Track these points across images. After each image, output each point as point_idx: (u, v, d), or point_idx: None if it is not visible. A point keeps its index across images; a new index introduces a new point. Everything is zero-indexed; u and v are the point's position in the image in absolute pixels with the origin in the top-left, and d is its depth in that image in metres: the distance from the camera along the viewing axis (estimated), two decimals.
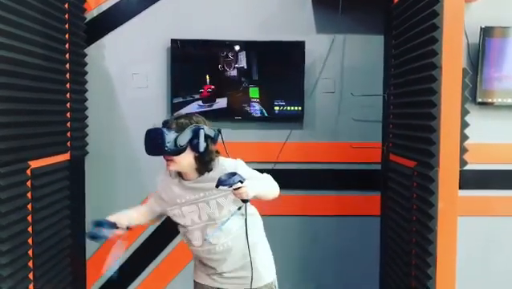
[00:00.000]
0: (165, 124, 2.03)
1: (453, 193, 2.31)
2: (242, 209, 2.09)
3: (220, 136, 2.08)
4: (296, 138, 3.38)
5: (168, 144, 1.95)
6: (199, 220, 2.13)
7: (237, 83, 3.30)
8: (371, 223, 3.41)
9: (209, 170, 2.07)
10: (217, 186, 1.89)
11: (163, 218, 2.33)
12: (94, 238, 2.08)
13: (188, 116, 2.09)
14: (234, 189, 1.91)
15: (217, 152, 2.11)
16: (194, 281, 2.33)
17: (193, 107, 3.29)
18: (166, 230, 3.39)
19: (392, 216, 3.00)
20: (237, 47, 3.29)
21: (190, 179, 2.11)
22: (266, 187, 2.11)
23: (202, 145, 2.00)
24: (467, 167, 2.48)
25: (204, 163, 2.06)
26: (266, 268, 2.26)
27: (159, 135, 1.96)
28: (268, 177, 2.15)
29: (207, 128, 2.03)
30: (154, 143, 1.98)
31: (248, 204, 2.13)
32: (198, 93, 3.30)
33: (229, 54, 3.29)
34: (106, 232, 2.07)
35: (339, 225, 3.43)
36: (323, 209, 3.42)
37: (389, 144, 3.13)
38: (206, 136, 2.02)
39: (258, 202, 2.20)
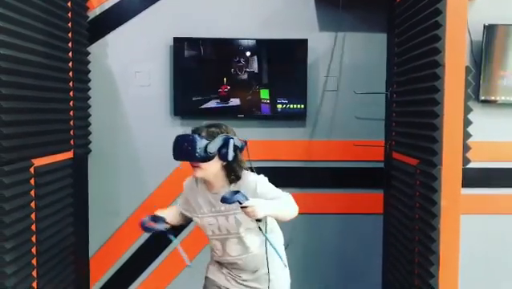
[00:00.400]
0: (196, 131, 2.06)
1: (455, 191, 2.31)
2: (263, 226, 2.10)
3: (246, 148, 2.11)
4: (299, 136, 3.38)
5: (198, 151, 1.97)
6: (218, 232, 2.16)
7: (244, 83, 3.31)
8: (374, 221, 3.41)
9: (237, 179, 2.08)
10: (221, 201, 1.92)
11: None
12: (149, 230, 2.17)
13: (219, 125, 2.11)
14: (242, 208, 1.92)
15: (244, 161, 2.12)
16: (206, 277, 2.33)
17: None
18: (172, 226, 3.40)
19: (394, 214, 3.00)
20: (240, 47, 3.29)
21: (215, 190, 2.12)
22: (280, 207, 2.07)
23: (231, 154, 2.02)
24: (470, 165, 2.47)
25: (232, 171, 2.08)
26: (281, 285, 2.28)
27: (190, 141, 1.98)
28: (287, 197, 2.13)
29: (236, 139, 2.06)
30: (185, 148, 1.99)
31: (269, 219, 2.17)
32: (203, 92, 3.30)
33: (234, 54, 3.29)
34: (160, 226, 2.14)
35: (341, 224, 3.43)
36: (326, 207, 3.42)
37: (392, 143, 3.13)
38: (235, 146, 2.04)
39: None
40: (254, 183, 2.07)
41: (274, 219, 2.24)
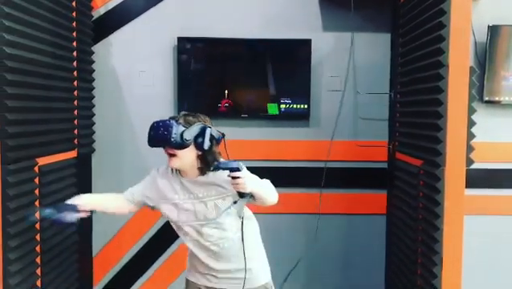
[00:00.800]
0: (173, 118, 2.05)
1: (459, 191, 2.31)
2: (239, 212, 2.12)
3: (223, 140, 2.09)
4: (302, 136, 3.38)
5: (174, 136, 1.95)
6: (194, 218, 2.13)
7: (248, 84, 3.31)
8: (377, 221, 3.40)
9: (210, 170, 2.07)
10: (214, 169, 1.92)
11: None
12: (54, 221, 2.08)
13: (196, 115, 2.09)
14: (232, 178, 1.92)
15: (220, 154, 2.12)
16: (187, 279, 2.33)
17: None
18: (169, 231, 3.41)
19: (398, 214, 3.00)
20: (244, 47, 3.30)
21: (189, 178, 2.12)
22: (265, 188, 2.09)
23: (207, 144, 2.00)
24: (474, 166, 2.47)
25: (206, 162, 2.06)
26: (261, 270, 2.26)
27: (166, 126, 1.96)
28: (267, 182, 2.13)
29: (213, 129, 2.05)
30: (161, 133, 1.97)
31: (245, 207, 2.18)
32: (207, 91, 3.31)
33: (238, 54, 3.30)
34: (68, 217, 2.06)
35: (344, 224, 3.43)
36: (329, 207, 3.42)
37: (395, 143, 3.13)
38: (211, 137, 2.03)
39: None
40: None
41: (247, 209, 2.23)
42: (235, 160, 1.94)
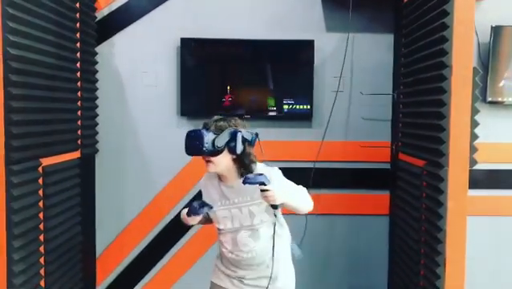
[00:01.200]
0: (205, 126, 2.09)
1: (462, 192, 2.30)
2: (275, 220, 2.14)
3: (257, 140, 2.13)
4: (305, 137, 3.39)
5: (206, 145, 2.01)
6: (231, 225, 2.17)
7: (250, 84, 3.32)
8: (380, 222, 3.41)
9: (248, 172, 2.09)
10: (243, 183, 1.95)
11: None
12: (194, 210, 2.08)
13: (227, 119, 2.13)
14: (262, 192, 1.97)
15: (255, 156, 2.14)
16: (212, 282, 2.34)
17: None
18: (172, 232, 3.42)
19: (401, 215, 3.00)
20: (247, 47, 3.30)
21: (229, 183, 2.15)
22: (297, 197, 2.13)
23: (239, 148, 2.04)
24: (477, 166, 2.47)
25: (244, 165, 2.10)
26: (287, 284, 2.29)
27: (198, 136, 2.02)
28: (302, 190, 2.17)
29: (245, 132, 2.08)
30: (193, 143, 2.03)
31: (279, 216, 2.20)
32: (210, 92, 3.32)
33: (241, 55, 3.30)
34: (205, 209, 2.09)
35: (347, 224, 3.43)
36: (332, 207, 3.42)
37: (398, 144, 3.13)
38: (244, 139, 2.06)
39: None
40: (268, 174, 2.06)
41: (281, 216, 2.25)
42: (262, 175, 1.96)
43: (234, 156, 2.08)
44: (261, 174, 1.96)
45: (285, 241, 2.28)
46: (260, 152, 2.13)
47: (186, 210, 2.15)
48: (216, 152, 2.04)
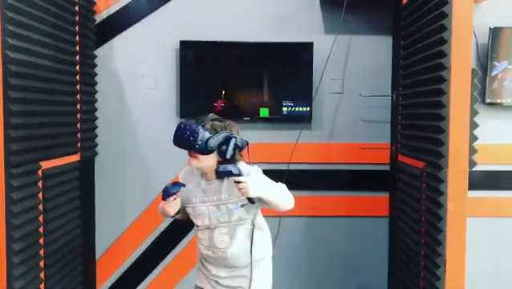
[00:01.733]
0: (199, 122, 2.07)
1: (462, 193, 2.30)
2: (253, 220, 2.14)
3: (247, 148, 2.11)
4: (304, 139, 3.39)
5: (199, 143, 1.99)
6: (208, 222, 2.16)
7: (247, 85, 3.32)
8: (380, 224, 3.41)
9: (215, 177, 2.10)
10: (217, 176, 1.98)
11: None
12: (168, 191, 2.06)
13: (223, 120, 2.12)
14: (235, 183, 1.96)
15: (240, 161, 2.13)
16: (195, 285, 2.35)
17: None
18: (172, 234, 3.42)
19: (400, 217, 3.00)
20: (246, 50, 3.30)
21: (209, 180, 2.14)
22: (275, 192, 2.08)
23: (230, 153, 2.03)
24: (476, 168, 2.47)
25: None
26: (264, 285, 2.26)
27: (193, 131, 1.99)
28: (281, 186, 2.13)
29: (238, 138, 2.07)
30: (186, 137, 2.00)
31: (258, 218, 2.19)
32: (209, 94, 3.32)
33: (240, 57, 3.31)
34: (178, 187, 2.06)
35: (347, 226, 3.43)
36: (332, 209, 3.42)
37: (398, 145, 3.13)
38: (235, 146, 2.05)
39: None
40: (248, 171, 2.07)
41: (262, 217, 2.25)
42: (233, 165, 1.97)
43: (221, 159, 2.06)
44: (232, 164, 1.97)
45: (265, 243, 2.26)
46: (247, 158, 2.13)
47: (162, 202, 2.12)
48: (207, 151, 2.02)
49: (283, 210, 2.13)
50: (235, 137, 2.05)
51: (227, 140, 2.03)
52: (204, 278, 2.28)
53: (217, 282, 2.23)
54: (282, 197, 2.11)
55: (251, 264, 2.15)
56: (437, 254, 2.36)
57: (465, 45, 2.29)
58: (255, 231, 2.15)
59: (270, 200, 2.06)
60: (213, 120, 2.10)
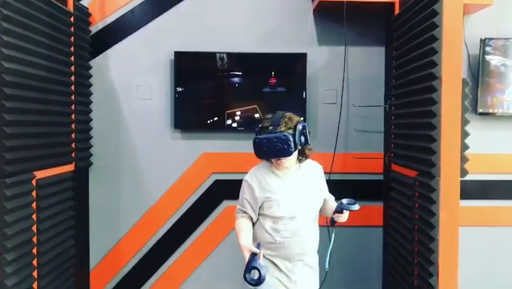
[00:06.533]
0: (275, 127, 2.13)
1: (454, 201, 2.33)
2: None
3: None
4: None
5: (292, 148, 2.10)
6: (292, 210, 2.23)
7: (241, 95, 3.35)
8: (375, 233, 3.41)
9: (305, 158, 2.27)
10: (338, 210, 2.19)
11: None
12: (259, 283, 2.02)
13: (284, 114, 2.19)
14: (340, 213, 2.17)
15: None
16: None
17: None
18: (166, 244, 3.41)
19: (394, 225, 3.01)
20: (240, 60, 3.33)
21: (286, 169, 2.25)
22: None
23: (308, 138, 2.19)
24: (468, 177, 2.49)
25: (303, 151, 2.25)
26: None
27: (284, 140, 2.09)
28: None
29: (302, 122, 2.20)
30: (279, 148, 2.09)
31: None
32: (203, 105, 3.34)
33: (235, 68, 3.33)
34: (263, 272, 2.01)
35: (342, 236, 3.42)
36: (326, 219, 3.41)
37: (391, 155, 3.15)
38: (307, 129, 2.19)
39: None
40: (320, 166, 2.39)
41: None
42: (355, 202, 2.15)
43: (300, 147, 2.17)
44: (355, 202, 2.13)
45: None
46: None
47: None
48: (295, 150, 2.14)
49: None
50: (305, 124, 2.19)
51: (304, 129, 2.17)
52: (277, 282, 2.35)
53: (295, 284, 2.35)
54: None
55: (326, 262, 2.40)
56: (430, 263, 2.37)
57: (455, 55, 2.32)
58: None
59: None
60: (282, 118, 2.16)
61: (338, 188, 3.38)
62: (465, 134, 2.41)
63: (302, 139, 2.15)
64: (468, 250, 3.12)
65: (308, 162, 2.33)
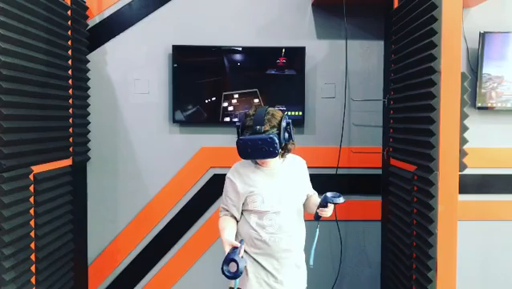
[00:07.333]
0: (260, 127, 2.10)
1: (452, 196, 2.32)
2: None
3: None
4: (297, 143, 3.38)
5: (277, 149, 2.09)
6: (277, 204, 2.22)
7: (240, 90, 3.33)
8: (373, 228, 3.42)
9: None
10: (322, 204, 2.14)
11: None
12: (235, 276, 2.01)
13: (268, 111, 2.17)
14: (324, 207, 2.15)
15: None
16: None
17: None
18: (164, 240, 3.41)
19: (392, 220, 3.01)
20: (239, 54, 3.31)
21: (271, 167, 2.26)
22: None
23: (292, 135, 2.20)
24: (467, 171, 2.49)
25: (286, 147, 2.25)
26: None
27: (269, 142, 2.08)
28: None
29: (287, 118, 2.20)
30: (265, 150, 2.08)
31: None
32: (202, 99, 3.32)
33: (233, 62, 3.31)
34: (241, 266, 2.00)
35: (340, 230, 3.43)
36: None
37: (390, 149, 3.14)
38: (291, 125, 2.20)
39: None
40: (303, 161, 2.39)
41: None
42: (340, 195, 2.13)
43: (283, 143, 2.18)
44: (339, 195, 2.11)
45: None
46: None
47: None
48: (280, 148, 2.15)
49: None
50: (289, 120, 2.18)
51: (288, 125, 2.17)
52: (263, 283, 2.33)
53: (281, 285, 2.34)
54: None
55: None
56: (429, 257, 2.37)
57: (454, 49, 2.31)
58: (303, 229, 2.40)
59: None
60: (266, 114, 2.13)
61: (336, 182, 3.42)
62: (463, 128, 2.40)
63: (287, 135, 2.16)
64: (466, 245, 3.13)
65: (292, 157, 2.34)
